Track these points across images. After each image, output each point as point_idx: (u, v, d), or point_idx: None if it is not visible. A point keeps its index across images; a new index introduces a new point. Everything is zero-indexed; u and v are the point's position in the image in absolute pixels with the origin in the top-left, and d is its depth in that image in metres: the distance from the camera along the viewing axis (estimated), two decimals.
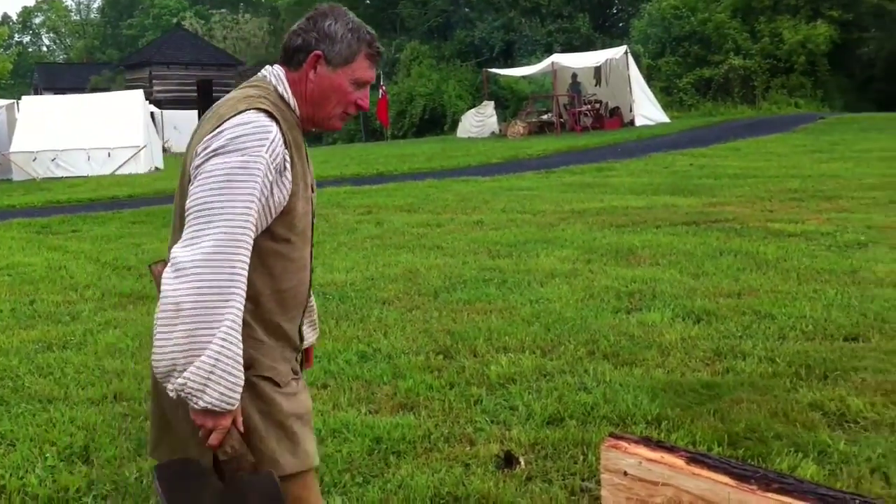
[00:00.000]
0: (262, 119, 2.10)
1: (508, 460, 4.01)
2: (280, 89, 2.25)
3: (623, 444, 2.08)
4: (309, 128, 2.31)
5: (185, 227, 2.01)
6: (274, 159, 2.08)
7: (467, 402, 4.82)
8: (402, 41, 44.73)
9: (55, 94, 39.18)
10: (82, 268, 9.69)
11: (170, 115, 38.26)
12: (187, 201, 2.04)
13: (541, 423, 4.48)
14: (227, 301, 1.95)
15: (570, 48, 36.78)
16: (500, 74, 33.73)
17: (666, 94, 34.54)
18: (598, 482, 2.25)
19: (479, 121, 31.60)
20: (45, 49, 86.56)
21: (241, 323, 2.00)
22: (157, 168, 26.10)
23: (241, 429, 2.07)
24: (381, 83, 33.87)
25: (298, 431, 2.26)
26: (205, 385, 1.94)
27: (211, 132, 2.09)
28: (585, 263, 8.35)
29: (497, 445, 4.20)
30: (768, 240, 8.95)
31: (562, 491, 3.70)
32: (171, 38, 50.74)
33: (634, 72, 29.43)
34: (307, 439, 2.30)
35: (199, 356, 1.92)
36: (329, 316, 6.72)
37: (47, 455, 4.34)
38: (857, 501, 1.71)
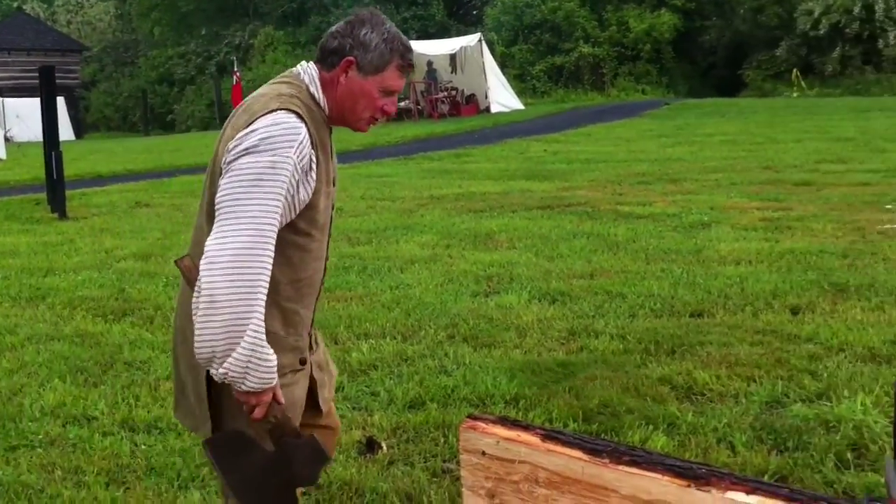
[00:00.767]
0: (293, 121, 2.22)
1: (370, 446, 4.01)
2: (312, 89, 2.36)
3: (480, 424, 2.11)
4: (338, 125, 2.43)
5: (217, 219, 2.16)
6: (301, 160, 2.21)
7: None
8: (256, 26, 43.84)
9: None
10: None
11: (12, 102, 36.21)
12: (218, 194, 2.18)
13: (402, 407, 4.50)
14: (255, 294, 2.11)
15: (424, 35, 36.88)
16: None
17: (520, 80, 35.19)
18: (459, 463, 2.29)
19: None
20: None
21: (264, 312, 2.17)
22: None
23: (282, 400, 2.26)
24: (236, 69, 33.18)
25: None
26: (245, 373, 2.13)
27: (244, 128, 2.21)
28: (445, 248, 8.43)
29: (359, 432, 4.19)
30: (618, 222, 9.27)
31: (423, 473, 3.73)
32: (11, 23, 48.44)
33: (489, 59, 29.80)
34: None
35: (235, 348, 2.10)
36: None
37: None
38: (703, 470, 1.79)
